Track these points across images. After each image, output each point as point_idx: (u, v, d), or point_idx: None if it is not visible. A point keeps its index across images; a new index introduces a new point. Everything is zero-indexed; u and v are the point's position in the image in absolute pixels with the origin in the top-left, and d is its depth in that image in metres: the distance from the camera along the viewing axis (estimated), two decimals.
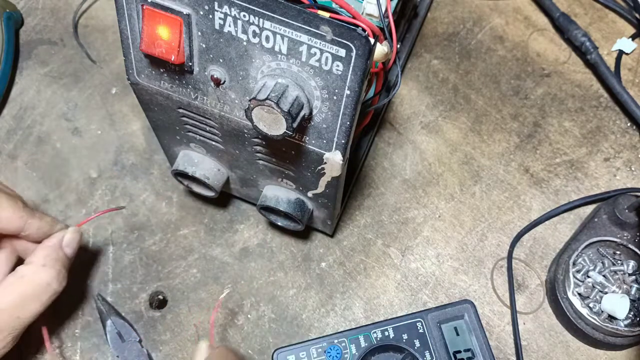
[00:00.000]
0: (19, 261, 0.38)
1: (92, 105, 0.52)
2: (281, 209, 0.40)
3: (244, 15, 0.29)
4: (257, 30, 0.29)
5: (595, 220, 0.46)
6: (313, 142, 0.33)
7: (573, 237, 0.46)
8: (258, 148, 0.37)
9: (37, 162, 0.50)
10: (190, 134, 0.39)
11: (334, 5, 0.34)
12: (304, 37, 0.29)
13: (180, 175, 0.42)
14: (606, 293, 0.43)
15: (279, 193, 0.41)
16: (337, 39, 0.28)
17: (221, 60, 0.32)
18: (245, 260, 0.46)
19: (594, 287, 0.43)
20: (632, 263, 0.44)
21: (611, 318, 0.42)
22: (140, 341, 0.43)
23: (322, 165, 0.35)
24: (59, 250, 0.37)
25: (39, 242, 0.38)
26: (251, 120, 0.31)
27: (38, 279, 0.35)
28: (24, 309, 0.34)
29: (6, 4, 0.53)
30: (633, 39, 0.56)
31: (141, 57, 0.34)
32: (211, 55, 0.32)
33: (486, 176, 0.50)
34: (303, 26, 0.28)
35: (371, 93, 0.43)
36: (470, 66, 0.55)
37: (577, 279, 0.44)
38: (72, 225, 0.39)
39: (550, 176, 0.50)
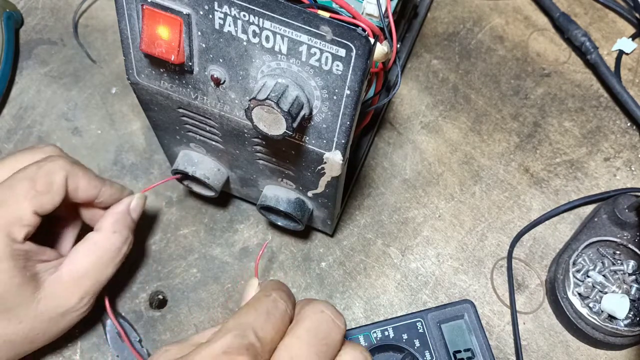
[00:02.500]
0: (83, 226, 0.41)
1: (92, 105, 0.52)
2: (281, 208, 0.40)
3: (244, 15, 0.29)
4: (257, 30, 0.29)
5: (595, 220, 0.46)
6: (313, 142, 0.33)
7: (573, 237, 0.46)
8: (258, 148, 0.37)
9: None
10: (190, 133, 0.39)
11: (334, 5, 0.34)
12: (304, 37, 0.29)
13: (180, 174, 0.42)
14: (606, 293, 0.43)
15: (279, 193, 0.41)
16: (337, 39, 0.28)
17: (221, 60, 0.32)
18: (245, 260, 0.46)
19: (594, 287, 0.43)
20: (632, 263, 0.44)
21: (611, 318, 0.42)
22: (140, 341, 0.43)
23: (322, 165, 0.35)
24: (127, 216, 0.39)
25: (107, 207, 0.39)
26: (251, 120, 0.31)
27: (110, 245, 0.37)
28: (102, 272, 0.37)
29: (6, 4, 0.53)
30: (633, 39, 0.56)
31: (141, 57, 0.34)
32: (211, 55, 0.32)
33: (486, 176, 0.50)
34: (303, 26, 0.28)
35: (371, 93, 0.43)
36: (470, 66, 0.55)
37: (577, 278, 0.44)
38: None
39: (550, 176, 0.50)
